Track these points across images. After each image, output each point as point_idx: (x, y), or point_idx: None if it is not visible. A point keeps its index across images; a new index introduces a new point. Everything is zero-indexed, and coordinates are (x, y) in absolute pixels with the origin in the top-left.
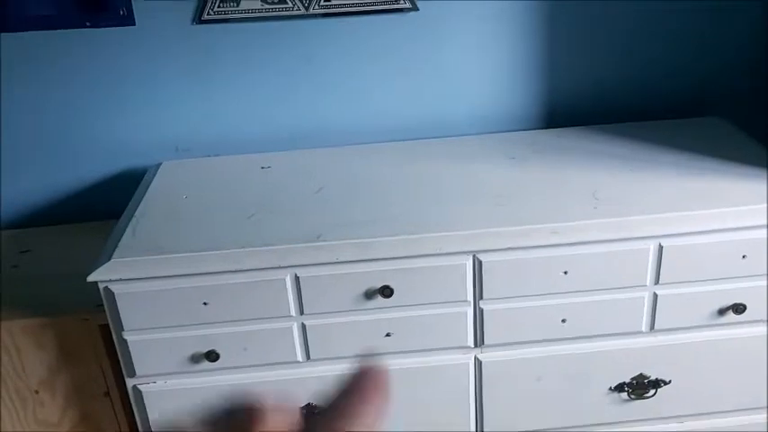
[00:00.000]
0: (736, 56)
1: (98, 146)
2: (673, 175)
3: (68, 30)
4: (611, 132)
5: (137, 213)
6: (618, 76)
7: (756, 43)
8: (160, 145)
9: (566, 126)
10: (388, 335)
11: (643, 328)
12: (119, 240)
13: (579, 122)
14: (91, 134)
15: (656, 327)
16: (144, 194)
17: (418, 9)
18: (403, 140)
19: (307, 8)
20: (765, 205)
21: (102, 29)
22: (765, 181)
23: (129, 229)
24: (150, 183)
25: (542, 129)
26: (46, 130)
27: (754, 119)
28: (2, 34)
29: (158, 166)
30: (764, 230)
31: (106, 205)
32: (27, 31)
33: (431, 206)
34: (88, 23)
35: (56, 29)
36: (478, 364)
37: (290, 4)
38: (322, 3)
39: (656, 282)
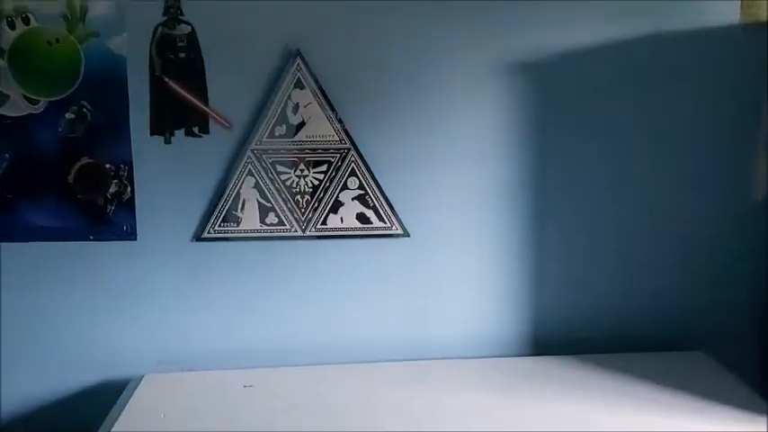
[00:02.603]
0: (722, 295)
1: (83, 355)
2: (665, 416)
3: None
4: (600, 364)
5: None
6: (606, 307)
7: (741, 284)
8: (145, 357)
9: (555, 354)
10: None
11: None
12: None
13: (568, 350)
14: (78, 344)
15: None
16: (122, 410)
17: (410, 235)
18: (390, 361)
19: (303, 230)
20: None
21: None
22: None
23: None
24: (129, 398)
25: (532, 356)
26: (29, 338)
27: (738, 356)
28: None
29: (141, 378)
30: None
31: (87, 417)
32: (31, 241)
33: None
34: (91, 237)
35: (60, 240)
36: None
37: (288, 226)
38: (318, 226)
39: None
